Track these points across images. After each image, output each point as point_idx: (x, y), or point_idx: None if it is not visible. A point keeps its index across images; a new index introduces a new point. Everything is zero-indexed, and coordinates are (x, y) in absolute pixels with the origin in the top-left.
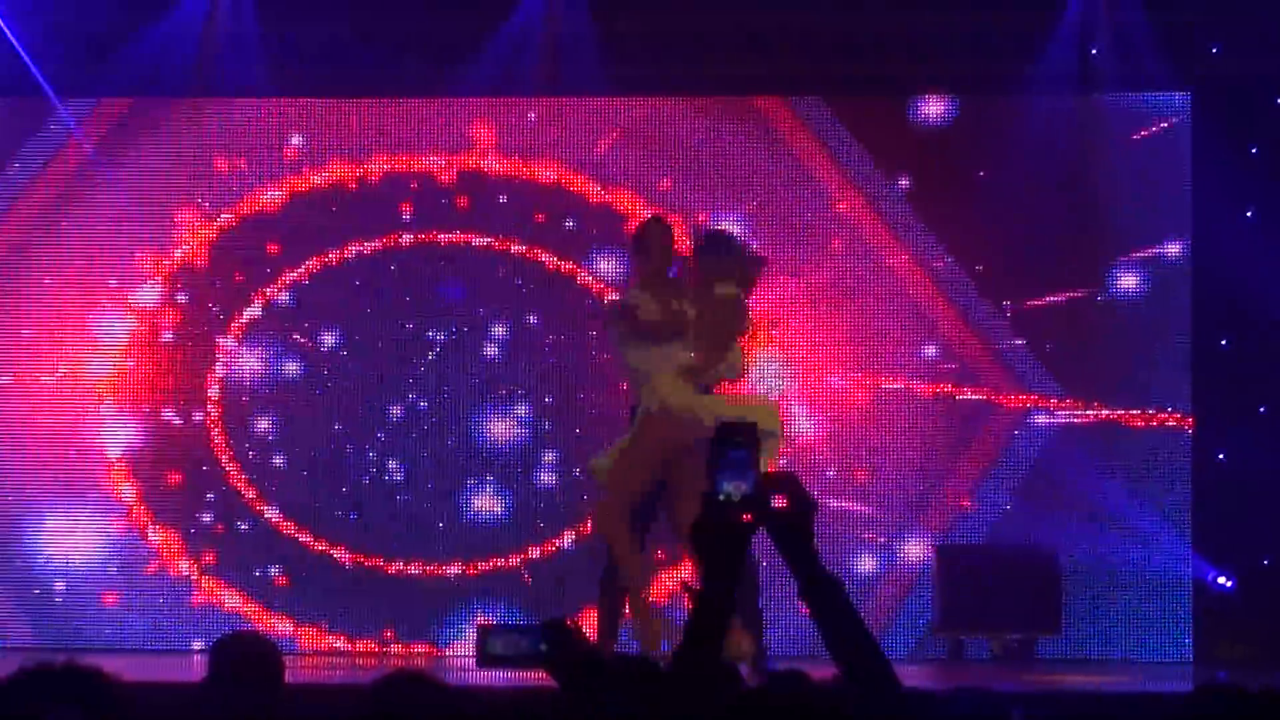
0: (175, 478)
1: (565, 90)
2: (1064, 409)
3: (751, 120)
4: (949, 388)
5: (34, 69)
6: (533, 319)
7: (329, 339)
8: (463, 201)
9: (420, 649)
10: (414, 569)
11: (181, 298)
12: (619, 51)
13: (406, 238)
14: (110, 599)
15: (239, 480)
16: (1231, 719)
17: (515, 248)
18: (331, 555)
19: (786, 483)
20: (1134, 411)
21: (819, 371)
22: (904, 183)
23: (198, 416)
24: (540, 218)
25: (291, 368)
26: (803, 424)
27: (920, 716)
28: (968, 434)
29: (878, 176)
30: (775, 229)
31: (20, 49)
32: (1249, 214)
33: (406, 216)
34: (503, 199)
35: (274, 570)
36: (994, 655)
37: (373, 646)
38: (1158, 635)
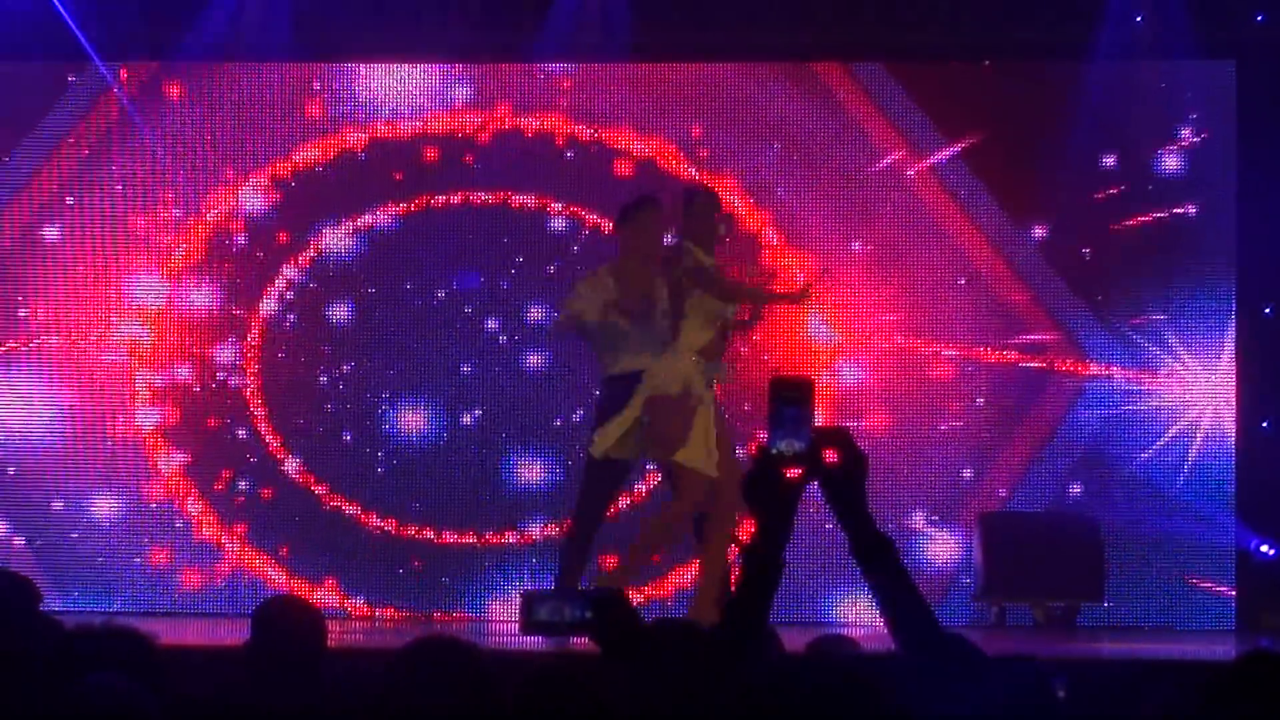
0: (209, 444)
1: (618, 55)
2: (1109, 376)
3: (806, 83)
4: (1007, 354)
5: (79, 33)
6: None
7: (368, 303)
8: (502, 161)
9: (461, 616)
10: (455, 537)
11: (214, 263)
12: (675, 17)
13: (441, 198)
14: (143, 564)
15: (275, 447)
16: (1275, 687)
17: (555, 205)
18: (370, 523)
19: (839, 438)
20: (1182, 379)
21: (872, 334)
22: (962, 147)
23: (233, 382)
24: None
25: (330, 331)
26: (859, 385)
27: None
28: (1023, 401)
29: (936, 140)
30: (832, 192)
31: (64, 13)
32: None
33: (440, 178)
34: (552, 159)
35: (309, 536)
36: (1037, 623)
37: (414, 614)
38: (1200, 604)
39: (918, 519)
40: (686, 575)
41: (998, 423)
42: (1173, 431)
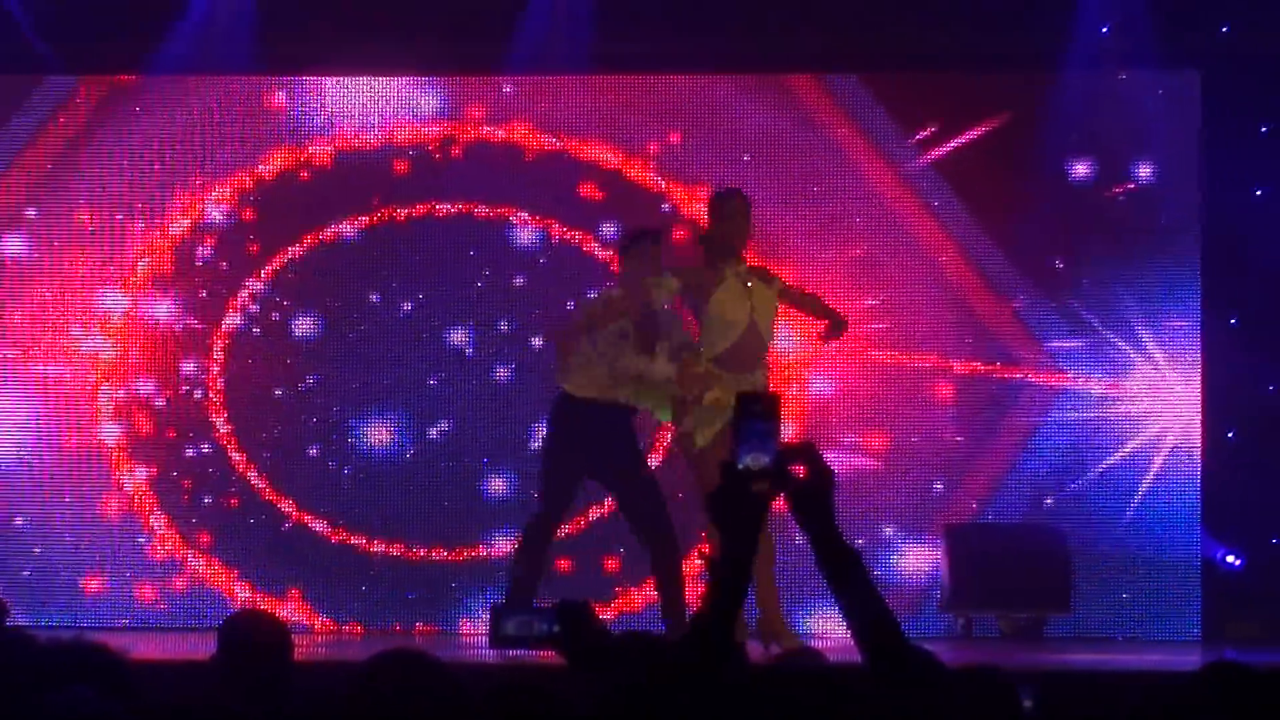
0: (173, 458)
1: (589, 66)
2: (1078, 387)
3: (778, 94)
4: (979, 365)
5: (41, 45)
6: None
7: (334, 315)
8: (469, 173)
9: (427, 629)
10: (424, 552)
11: (177, 275)
12: (645, 29)
13: (405, 210)
14: (106, 579)
15: (240, 461)
16: (1240, 698)
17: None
18: (336, 537)
19: (805, 453)
20: (1147, 388)
21: (844, 346)
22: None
23: (198, 394)
24: (576, 195)
25: (293, 345)
26: (830, 397)
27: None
28: (995, 412)
29: (908, 151)
30: (804, 203)
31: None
32: (1258, 193)
33: (407, 190)
34: (519, 171)
35: (274, 550)
36: (1003, 633)
37: (381, 629)
38: (1167, 614)
39: (889, 531)
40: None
41: (969, 434)
42: (1139, 442)
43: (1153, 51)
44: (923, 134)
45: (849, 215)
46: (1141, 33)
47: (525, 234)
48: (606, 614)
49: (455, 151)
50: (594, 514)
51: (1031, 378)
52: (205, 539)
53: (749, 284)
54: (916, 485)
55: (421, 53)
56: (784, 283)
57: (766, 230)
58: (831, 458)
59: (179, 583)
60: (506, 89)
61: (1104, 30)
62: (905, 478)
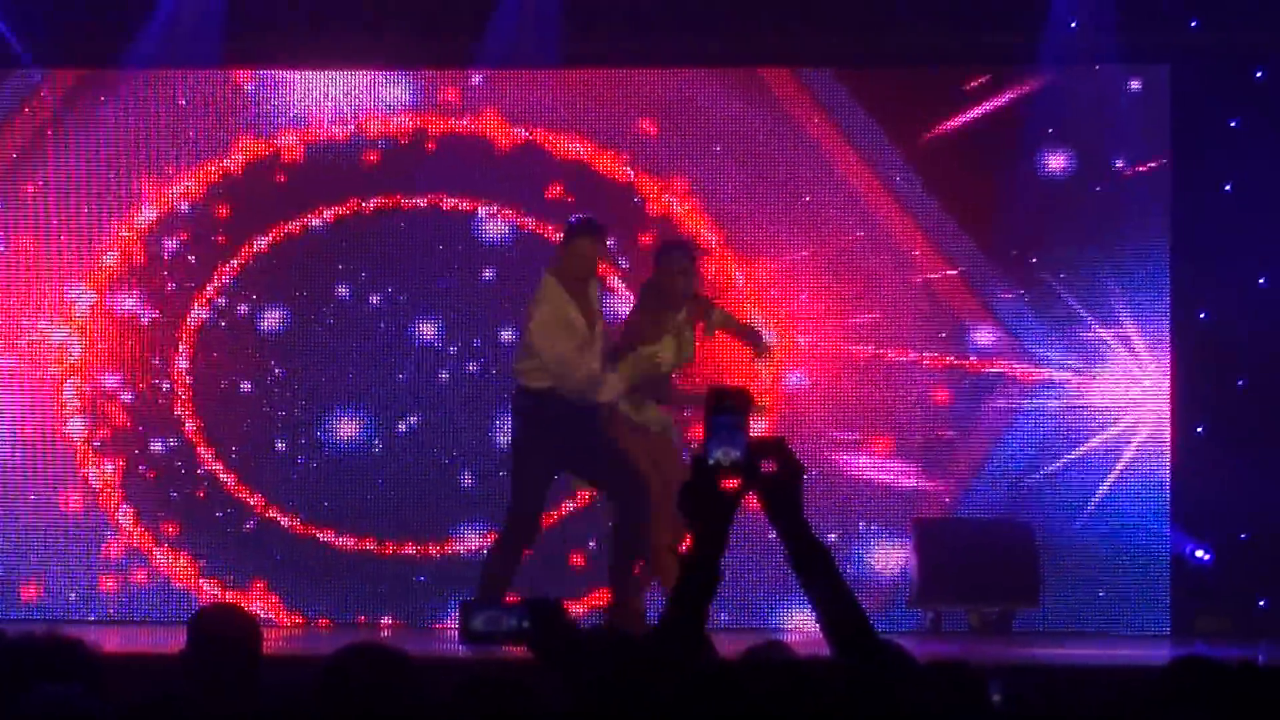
0: (139, 452)
1: (566, 61)
2: (1047, 381)
3: (752, 88)
4: (950, 359)
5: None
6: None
7: (301, 308)
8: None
9: (395, 624)
10: (394, 547)
11: (144, 269)
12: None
13: (373, 203)
14: (71, 572)
15: (206, 455)
16: (1208, 692)
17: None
18: (303, 531)
19: (775, 447)
20: (1116, 383)
21: (818, 340)
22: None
23: (165, 387)
24: (547, 188)
25: (261, 339)
26: (804, 393)
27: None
28: (965, 407)
29: (884, 147)
30: (779, 199)
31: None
32: (1228, 187)
33: (375, 181)
34: (489, 164)
35: (241, 544)
36: (972, 628)
37: (348, 622)
38: (1135, 608)
39: (859, 526)
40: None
41: (939, 428)
42: (1108, 436)
43: (1122, 46)
44: (896, 128)
45: (823, 208)
46: (1111, 28)
47: (494, 226)
48: (577, 609)
49: (425, 144)
50: (565, 509)
51: (1001, 372)
52: (171, 532)
53: (683, 333)
54: (887, 480)
55: (392, 47)
56: (720, 311)
57: (739, 223)
58: (803, 452)
59: (144, 577)
60: (476, 79)
61: (1073, 25)
62: (876, 472)
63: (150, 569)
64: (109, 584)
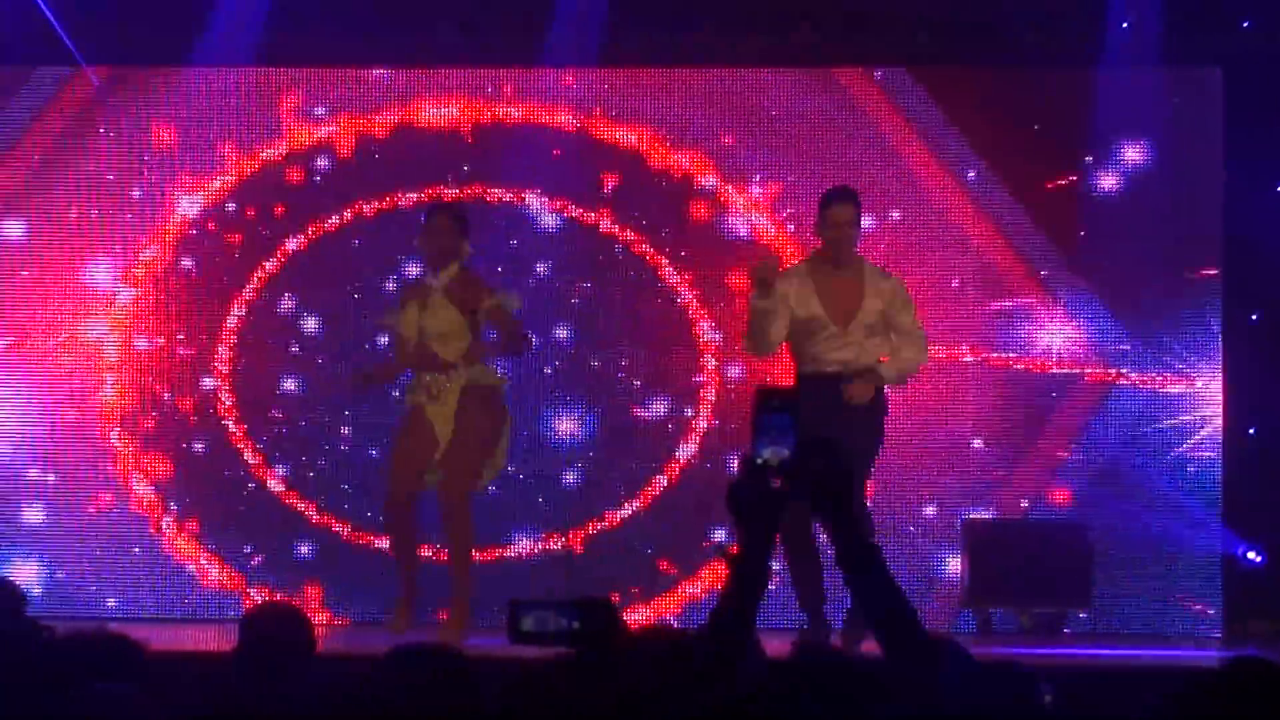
0: (178, 450)
1: (636, 60)
2: (1094, 381)
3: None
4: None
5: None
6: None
7: (344, 303)
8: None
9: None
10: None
11: (186, 263)
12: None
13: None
14: (112, 570)
15: (249, 453)
16: (1262, 693)
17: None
18: (344, 531)
19: (824, 446)
20: (1168, 386)
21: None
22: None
23: (205, 385)
24: (608, 181)
25: (304, 335)
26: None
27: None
28: (1016, 408)
29: (960, 147)
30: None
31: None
32: None
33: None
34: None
35: (295, 546)
36: (1023, 629)
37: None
38: (1187, 610)
39: (910, 527)
40: (694, 588)
41: (991, 429)
42: (1160, 438)
43: (1174, 48)
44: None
45: (893, 206)
46: (1162, 29)
47: (548, 220)
48: (641, 613)
49: (473, 137)
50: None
51: (1050, 373)
52: (213, 532)
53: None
54: (938, 480)
55: (442, 45)
56: (494, 301)
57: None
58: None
59: (186, 577)
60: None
61: (1124, 26)
62: (929, 472)
63: (194, 568)
64: (151, 584)
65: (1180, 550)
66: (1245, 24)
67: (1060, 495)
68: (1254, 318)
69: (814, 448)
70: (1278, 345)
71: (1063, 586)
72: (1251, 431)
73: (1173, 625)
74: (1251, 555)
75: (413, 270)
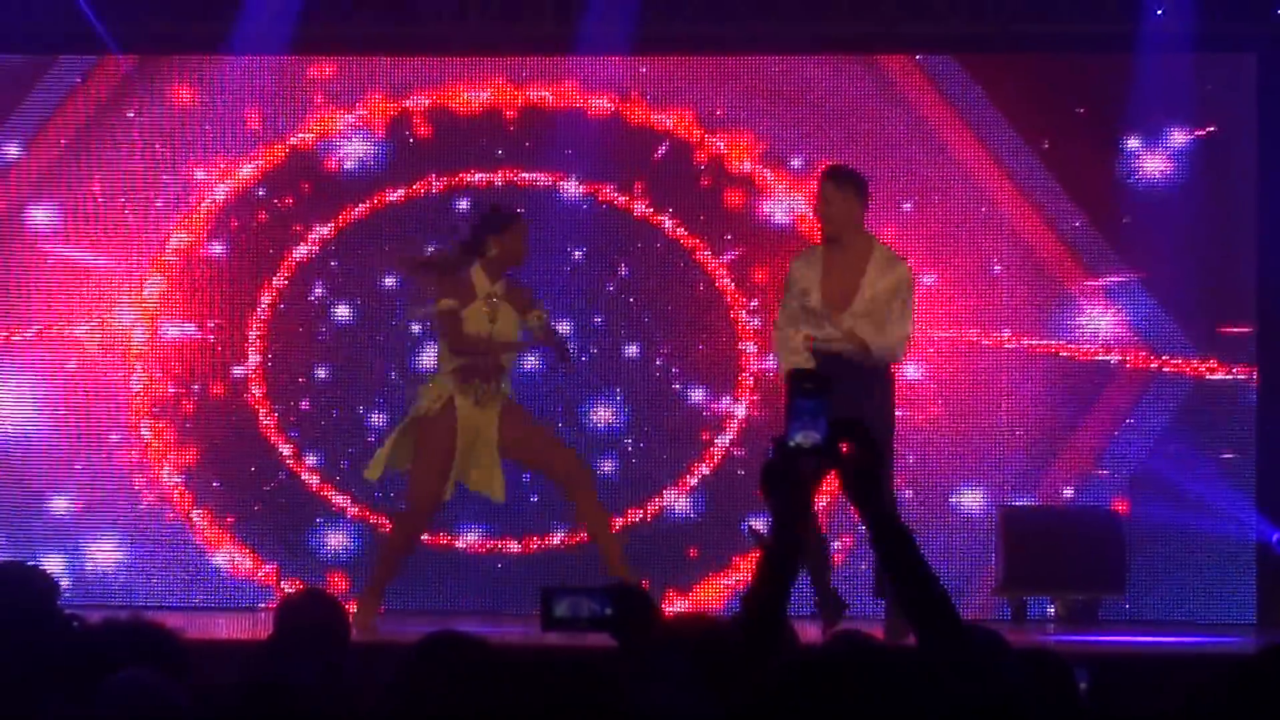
0: (211, 440)
1: (675, 46)
2: (1129, 369)
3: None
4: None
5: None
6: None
7: (376, 291)
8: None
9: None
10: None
11: (216, 249)
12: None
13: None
14: (137, 557)
15: (278, 439)
16: None
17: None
18: (377, 521)
19: (856, 431)
20: (1204, 373)
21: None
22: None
23: (235, 374)
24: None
25: (336, 321)
26: (911, 377)
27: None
28: (1053, 394)
29: (1009, 135)
30: (897, 183)
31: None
32: None
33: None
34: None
35: (326, 535)
36: (1058, 616)
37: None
38: (1221, 597)
39: (946, 512)
40: (730, 579)
41: (1028, 416)
42: (1194, 425)
43: (1208, 35)
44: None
45: (935, 190)
46: (1196, 16)
47: (584, 207)
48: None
49: (507, 122)
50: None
51: (1090, 359)
52: (246, 524)
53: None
54: (978, 466)
55: (476, 32)
56: (538, 314)
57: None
58: (903, 437)
59: (221, 566)
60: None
61: (1159, 13)
62: (967, 460)
63: (224, 560)
64: (182, 575)
65: (1215, 537)
66: (1278, 10)
67: (1096, 482)
68: None
69: (846, 431)
70: None
71: (1098, 573)
72: None
73: (1207, 612)
74: None
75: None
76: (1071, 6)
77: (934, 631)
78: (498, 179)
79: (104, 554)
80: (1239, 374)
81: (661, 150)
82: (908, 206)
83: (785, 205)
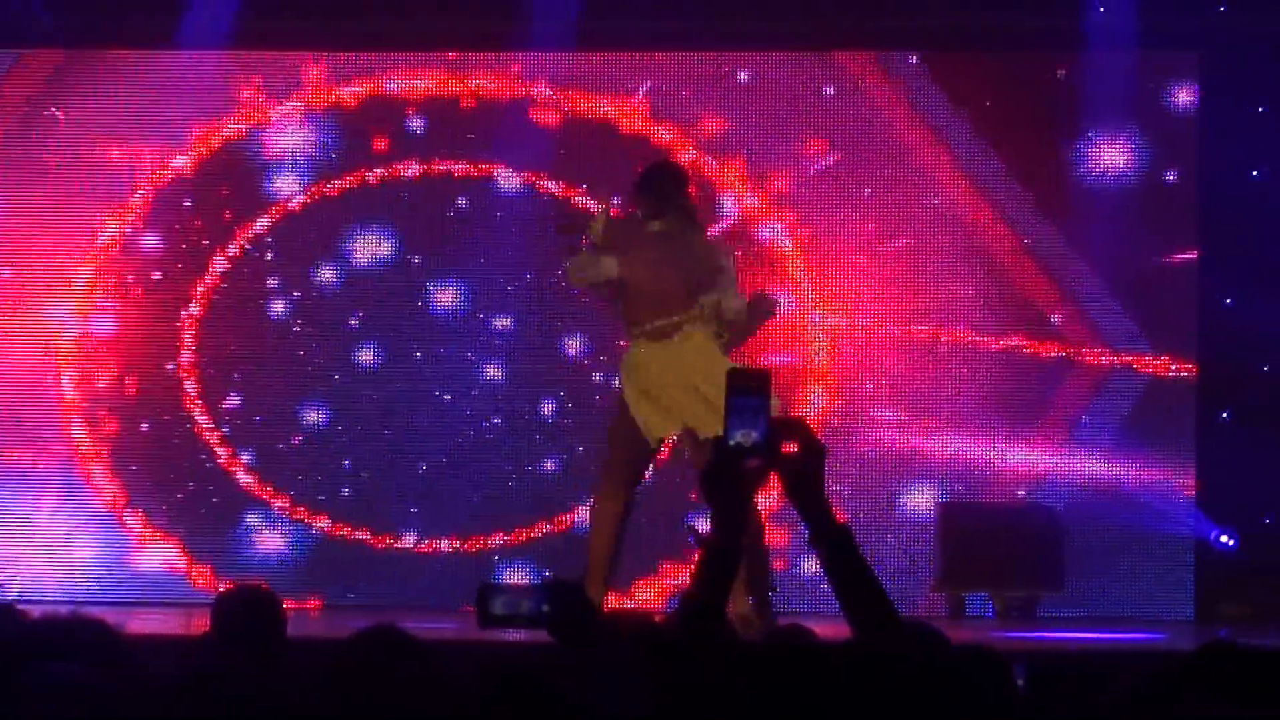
0: (140, 430)
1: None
2: (1067, 362)
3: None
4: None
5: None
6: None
7: (314, 282)
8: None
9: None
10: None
11: (150, 240)
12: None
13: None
14: (72, 560)
15: (214, 439)
16: (1234, 677)
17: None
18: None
19: (797, 428)
20: (1144, 368)
21: (880, 320)
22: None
23: (169, 368)
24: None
25: (271, 316)
26: (861, 373)
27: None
28: (991, 389)
29: (959, 128)
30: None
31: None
32: (1255, 174)
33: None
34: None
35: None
36: (997, 613)
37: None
38: (1160, 594)
39: (885, 509)
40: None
41: (966, 412)
42: (1133, 420)
43: (1149, 32)
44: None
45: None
46: (1138, 13)
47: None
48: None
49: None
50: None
51: (1030, 355)
52: (180, 521)
53: None
54: (916, 464)
55: (421, 29)
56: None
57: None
58: (850, 431)
59: (156, 563)
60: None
61: (1100, 10)
62: (911, 452)
63: (158, 557)
64: (117, 573)
65: (1153, 533)
66: (1220, 8)
67: (1033, 477)
68: (1228, 301)
69: (786, 429)
70: (1252, 328)
71: (1036, 570)
72: (1224, 415)
73: (1145, 609)
74: (1224, 539)
75: (384, 249)
76: (1014, 4)
77: (871, 630)
78: (436, 169)
79: (36, 554)
80: (1180, 372)
81: (605, 143)
82: (858, 201)
83: (736, 201)
